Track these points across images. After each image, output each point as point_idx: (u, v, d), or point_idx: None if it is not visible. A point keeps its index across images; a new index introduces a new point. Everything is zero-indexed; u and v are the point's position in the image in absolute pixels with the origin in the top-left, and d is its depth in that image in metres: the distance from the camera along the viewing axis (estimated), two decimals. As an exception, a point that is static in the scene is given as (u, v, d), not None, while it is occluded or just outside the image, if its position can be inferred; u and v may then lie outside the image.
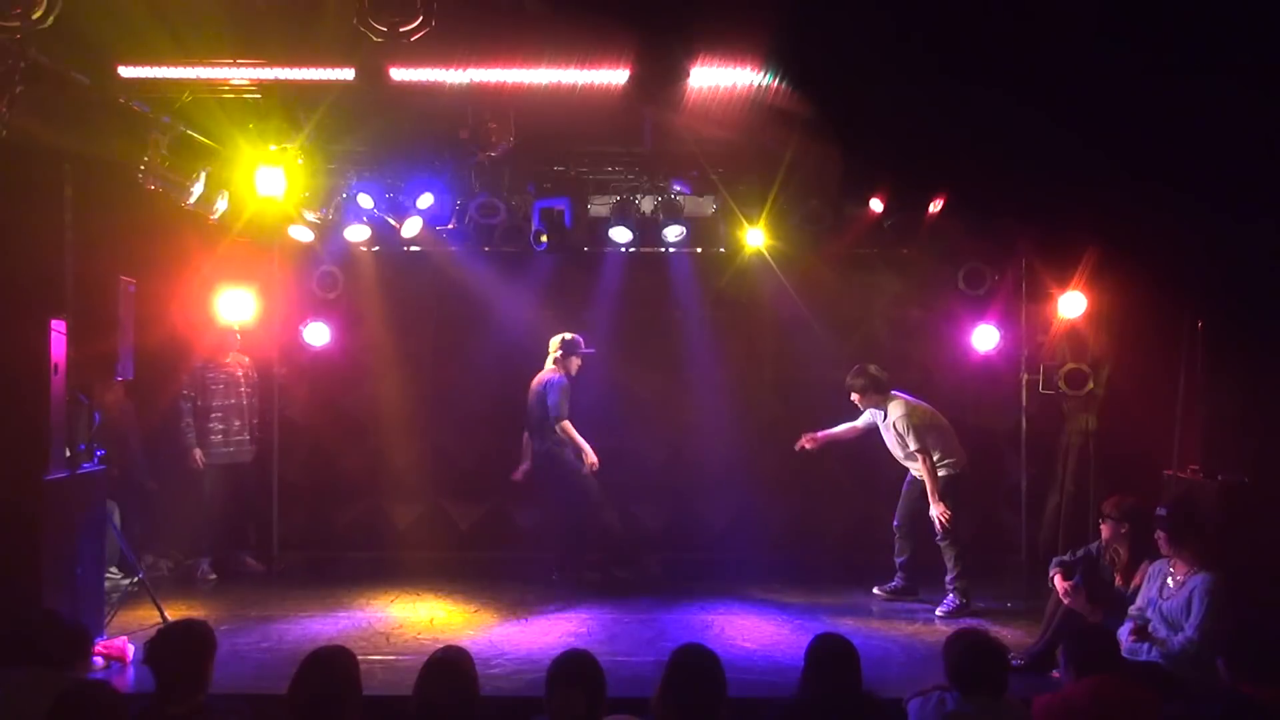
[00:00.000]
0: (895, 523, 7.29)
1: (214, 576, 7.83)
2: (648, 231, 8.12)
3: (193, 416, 7.80)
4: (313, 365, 8.75)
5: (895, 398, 7.07)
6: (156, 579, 7.32)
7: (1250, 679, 3.80)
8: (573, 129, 7.18)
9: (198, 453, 7.77)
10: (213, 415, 7.87)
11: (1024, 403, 8.57)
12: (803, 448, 7.37)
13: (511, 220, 7.96)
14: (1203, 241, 6.24)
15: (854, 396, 7.15)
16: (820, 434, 7.37)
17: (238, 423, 7.98)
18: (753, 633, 6.41)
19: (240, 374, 8.05)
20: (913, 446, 6.89)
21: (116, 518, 7.07)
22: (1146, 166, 5.79)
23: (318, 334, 8.55)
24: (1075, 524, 7.82)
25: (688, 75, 5.28)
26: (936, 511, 6.82)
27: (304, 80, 6.00)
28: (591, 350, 7.86)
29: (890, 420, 7.00)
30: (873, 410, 7.18)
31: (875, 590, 7.23)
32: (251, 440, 8.12)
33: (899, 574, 7.25)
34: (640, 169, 8.03)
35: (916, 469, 7.04)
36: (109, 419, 7.29)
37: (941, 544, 6.91)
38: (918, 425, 6.91)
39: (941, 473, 6.90)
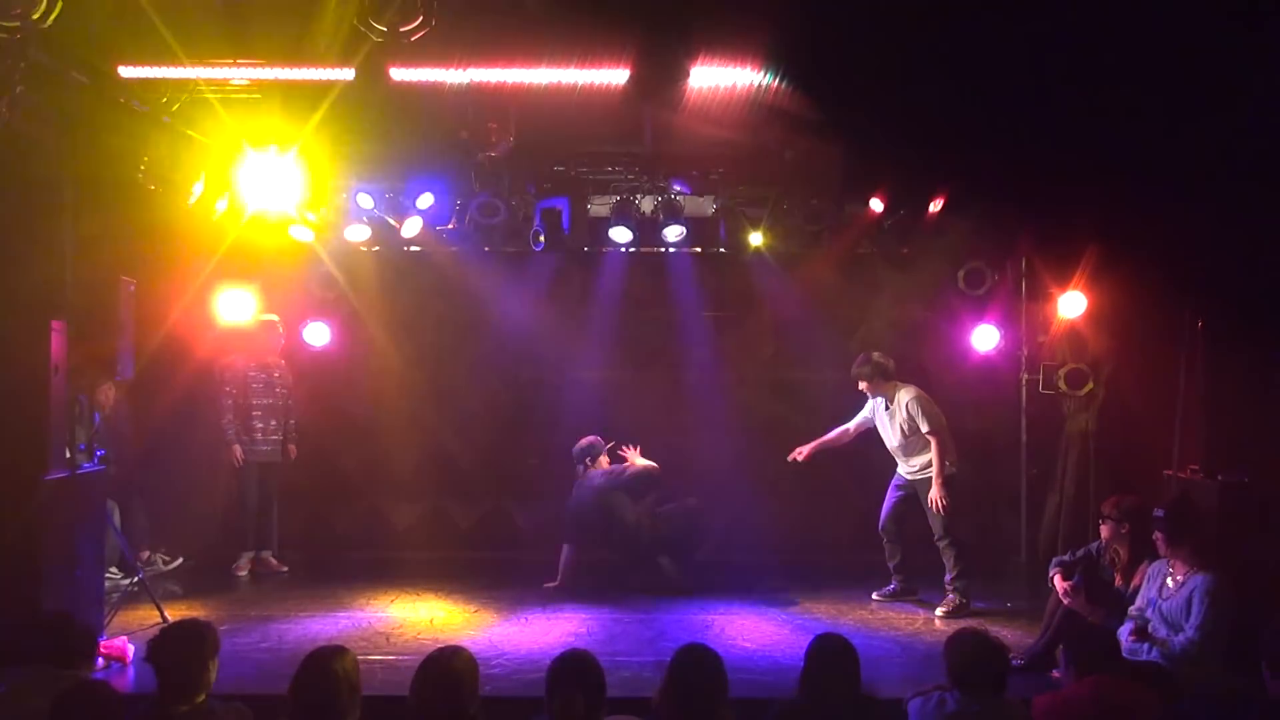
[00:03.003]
0: (880, 526, 7.28)
1: (245, 573, 7.86)
2: (648, 231, 8.12)
3: (234, 414, 7.83)
4: (313, 365, 8.75)
5: (903, 384, 7.06)
6: (155, 577, 7.33)
7: None
8: (573, 129, 7.19)
9: (239, 449, 7.80)
10: (254, 413, 7.90)
11: (1024, 403, 8.57)
12: (794, 459, 7.35)
13: (511, 220, 7.95)
14: (1203, 241, 6.24)
15: (861, 385, 7.11)
16: (810, 445, 7.33)
17: (274, 422, 8.01)
18: (753, 633, 6.41)
19: (277, 374, 8.09)
20: (925, 428, 6.84)
21: (116, 518, 7.07)
22: (1147, 166, 5.80)
23: (318, 334, 8.56)
24: (1075, 524, 7.82)
25: (688, 75, 5.29)
26: (937, 494, 6.80)
27: (304, 80, 6.00)
28: (611, 443, 7.76)
29: (902, 403, 6.95)
30: (878, 399, 7.13)
31: (874, 597, 7.22)
32: (287, 441, 8.13)
33: (894, 577, 7.24)
34: (640, 169, 8.03)
35: (913, 466, 7.02)
36: (107, 419, 7.30)
37: (940, 544, 6.90)
38: (928, 404, 6.90)
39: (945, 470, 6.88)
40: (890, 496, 7.22)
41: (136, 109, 6.16)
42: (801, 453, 7.34)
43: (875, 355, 7.11)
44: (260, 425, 7.94)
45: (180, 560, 8.05)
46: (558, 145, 7.70)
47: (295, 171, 6.89)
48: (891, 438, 7.11)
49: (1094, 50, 5.24)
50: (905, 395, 6.97)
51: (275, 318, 8.14)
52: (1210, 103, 5.48)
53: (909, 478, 7.05)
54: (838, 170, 7.25)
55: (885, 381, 7.06)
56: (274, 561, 8.16)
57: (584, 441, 7.67)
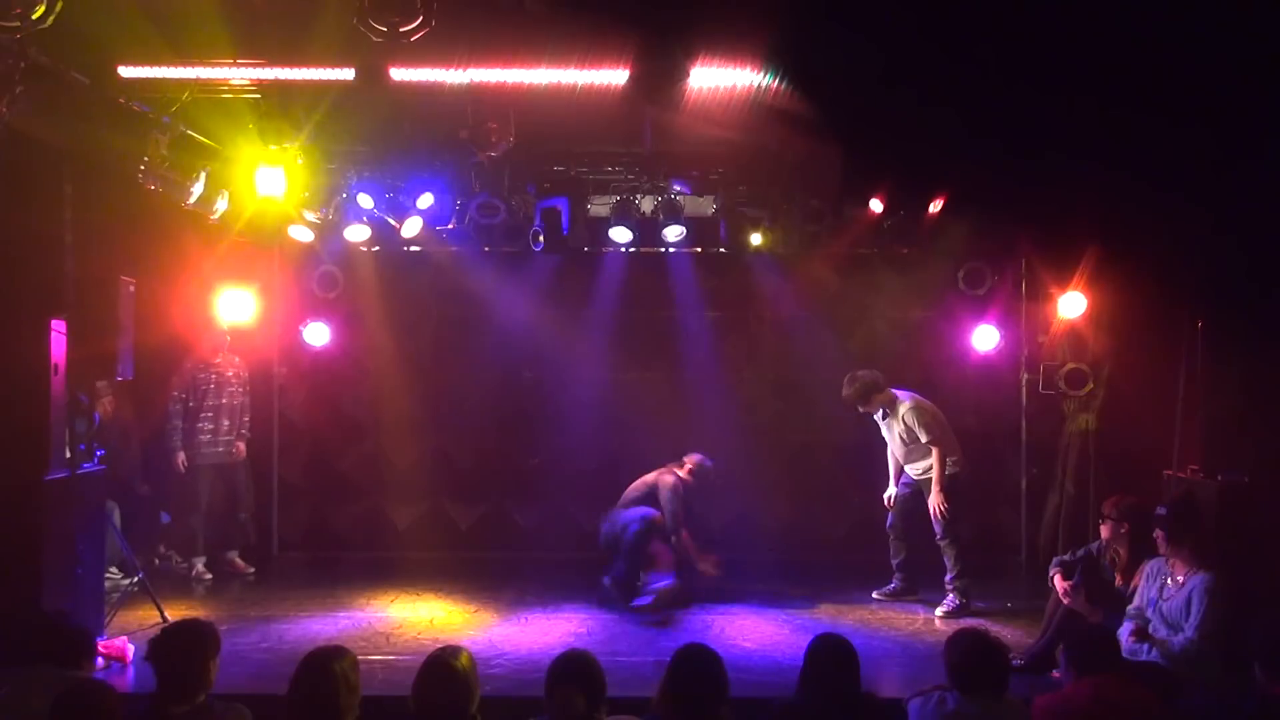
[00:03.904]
0: (889, 523, 7.28)
1: (209, 576, 7.81)
2: (648, 231, 8.12)
3: (182, 419, 7.78)
4: (313, 365, 8.76)
5: (899, 395, 7.06)
6: (156, 575, 7.33)
7: None
8: (573, 129, 7.18)
9: (181, 456, 7.72)
10: (203, 415, 7.83)
11: (1024, 403, 8.57)
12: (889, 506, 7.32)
13: (511, 220, 7.95)
14: (1202, 241, 6.24)
15: (858, 408, 7.13)
16: (891, 488, 7.31)
17: (227, 423, 7.93)
18: (753, 633, 6.41)
19: (230, 374, 8.01)
20: (925, 439, 6.86)
21: (116, 518, 7.07)
22: (1146, 166, 5.79)
23: (318, 334, 8.56)
24: (1075, 524, 7.82)
25: (688, 75, 5.28)
26: (936, 501, 6.81)
27: (304, 80, 5.99)
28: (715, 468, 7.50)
29: (900, 415, 6.97)
30: (881, 410, 7.13)
31: (875, 595, 7.22)
32: (240, 439, 8.06)
33: (896, 575, 7.25)
34: (640, 169, 8.03)
35: (917, 470, 7.03)
36: (106, 425, 7.32)
37: (941, 544, 6.90)
38: (926, 414, 6.90)
39: (947, 471, 6.88)
40: (898, 494, 7.23)
41: (136, 109, 6.15)
42: (889, 499, 7.32)
43: (861, 374, 7.08)
44: (210, 427, 7.85)
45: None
46: (558, 145, 7.69)
47: (295, 171, 6.89)
48: (897, 446, 7.12)
49: (1093, 52, 5.24)
50: (903, 407, 6.97)
51: (221, 322, 8.03)
52: (1209, 102, 5.47)
53: (915, 478, 7.07)
54: (837, 170, 7.23)
55: (878, 395, 7.06)
56: (240, 563, 8.08)
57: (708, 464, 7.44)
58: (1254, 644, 3.92)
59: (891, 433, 7.11)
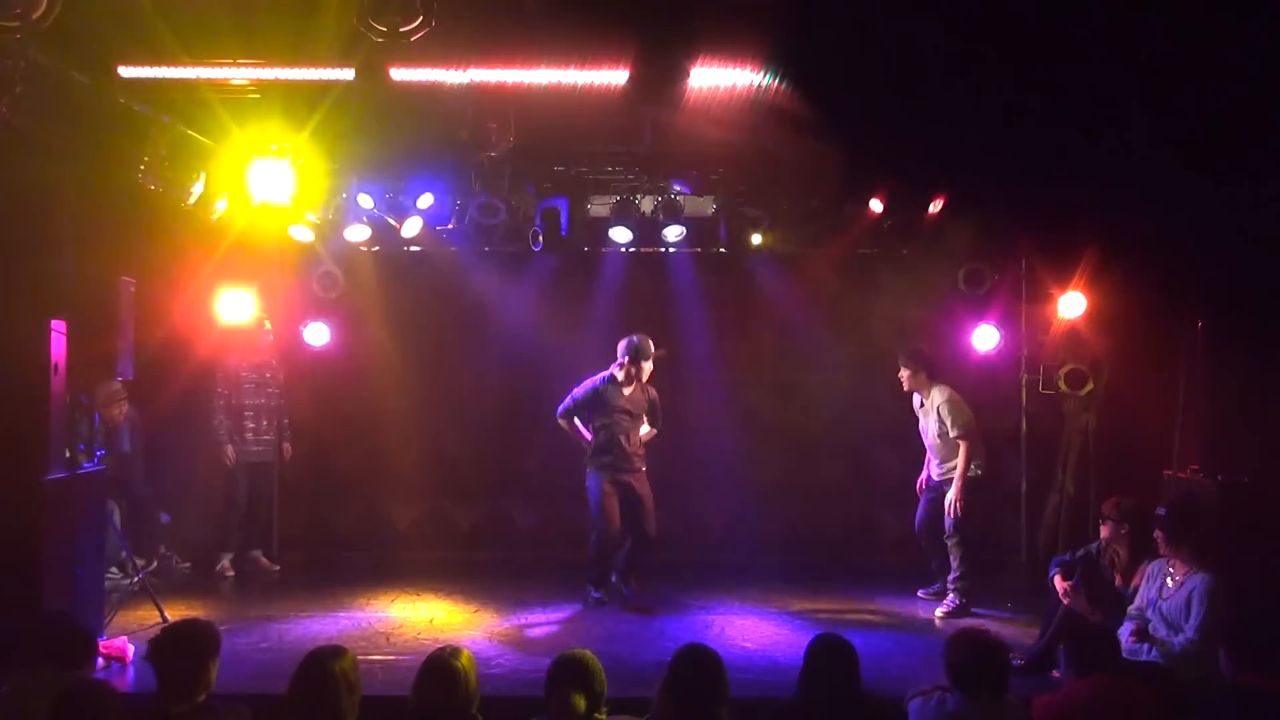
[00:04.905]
0: (915, 529, 7.25)
1: (232, 573, 7.86)
2: (648, 231, 8.11)
3: (226, 414, 7.83)
4: (313, 365, 8.75)
5: (940, 384, 7.07)
6: (156, 575, 7.33)
7: (1252, 669, 3.80)
8: (573, 129, 7.17)
9: (230, 449, 7.80)
10: (246, 414, 7.91)
11: (1024, 403, 8.57)
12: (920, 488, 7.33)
13: (511, 220, 7.95)
14: (1202, 242, 6.24)
15: (903, 374, 7.13)
16: (925, 474, 7.31)
17: (266, 422, 8.02)
18: (753, 633, 6.41)
19: (269, 374, 8.10)
20: (954, 433, 6.84)
21: (116, 518, 7.08)
22: (1146, 166, 5.80)
23: (318, 334, 8.56)
24: (1075, 524, 7.81)
25: (688, 75, 5.28)
26: (955, 495, 6.79)
27: (304, 80, 5.99)
28: (662, 352, 7.34)
29: (935, 404, 6.98)
30: (916, 395, 7.16)
31: (920, 594, 7.24)
32: (281, 440, 8.14)
33: (938, 578, 7.19)
34: (640, 169, 8.03)
35: (944, 469, 7.00)
36: (117, 429, 7.32)
37: (949, 542, 6.90)
38: (959, 407, 6.90)
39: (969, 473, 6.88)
40: (923, 501, 7.22)
41: (136, 109, 6.15)
42: (921, 484, 7.32)
43: (924, 348, 7.16)
44: (252, 425, 7.94)
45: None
46: (558, 145, 7.68)
47: (295, 171, 6.89)
48: (931, 436, 7.12)
49: (1092, 51, 5.24)
50: (938, 397, 6.98)
51: (264, 316, 8.13)
52: (1210, 101, 5.48)
53: (938, 478, 7.07)
54: (838, 170, 7.23)
55: (926, 376, 7.06)
56: (265, 561, 8.16)
57: (634, 339, 7.23)
58: (1223, 632, 3.94)
59: (925, 420, 7.12)
